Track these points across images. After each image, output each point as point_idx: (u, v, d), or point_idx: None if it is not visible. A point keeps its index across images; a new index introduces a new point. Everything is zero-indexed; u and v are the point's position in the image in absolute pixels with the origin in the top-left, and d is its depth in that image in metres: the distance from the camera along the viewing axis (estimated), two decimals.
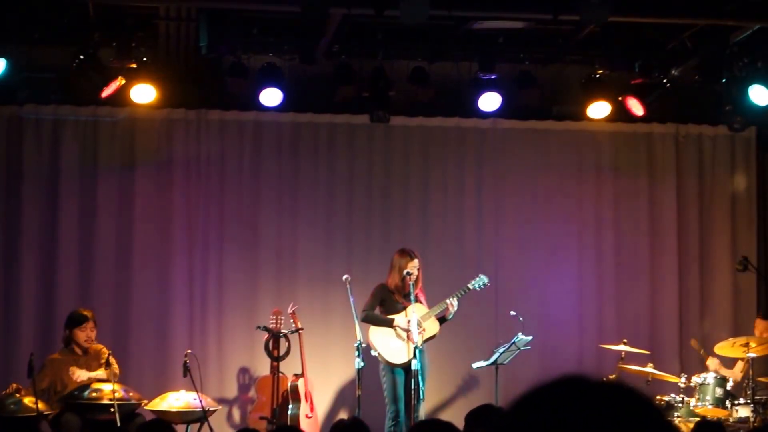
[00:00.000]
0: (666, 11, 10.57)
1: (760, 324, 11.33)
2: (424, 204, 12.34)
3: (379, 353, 10.57)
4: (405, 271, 10.53)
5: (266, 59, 11.56)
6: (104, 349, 10.26)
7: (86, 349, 10.31)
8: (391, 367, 10.55)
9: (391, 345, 10.58)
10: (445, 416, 11.79)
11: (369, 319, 10.65)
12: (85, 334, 10.27)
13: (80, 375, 10.13)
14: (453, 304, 10.59)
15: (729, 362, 11.33)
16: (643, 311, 12.48)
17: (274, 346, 11.18)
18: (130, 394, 9.97)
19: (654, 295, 12.53)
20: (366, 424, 6.97)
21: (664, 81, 11.75)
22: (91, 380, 10.05)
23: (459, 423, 6.70)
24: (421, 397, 10.26)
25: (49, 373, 10.10)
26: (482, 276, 10.91)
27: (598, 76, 11.81)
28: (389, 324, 10.60)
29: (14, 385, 9.82)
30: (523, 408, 2.70)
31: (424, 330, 10.43)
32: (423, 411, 10.42)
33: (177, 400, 10.27)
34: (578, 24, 10.76)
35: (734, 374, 11.14)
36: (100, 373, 10.11)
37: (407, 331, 10.51)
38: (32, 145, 11.79)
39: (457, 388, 12.11)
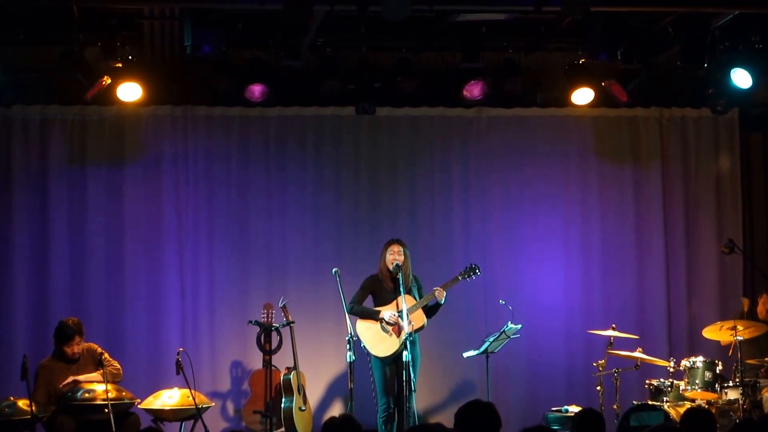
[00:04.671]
0: (646, 0, 10.63)
1: (767, 300, 11.42)
2: (412, 194, 12.40)
3: (364, 346, 10.64)
4: (393, 263, 10.60)
5: (251, 54, 11.59)
6: (98, 349, 10.32)
7: (76, 358, 10.34)
8: (380, 359, 10.63)
9: (377, 338, 10.64)
10: (437, 407, 11.91)
11: (355, 312, 10.70)
12: (71, 350, 10.26)
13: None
14: (441, 292, 10.62)
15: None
16: (630, 296, 12.55)
17: (266, 339, 11.26)
18: (123, 393, 10.04)
19: (641, 280, 12.60)
20: (357, 421, 6.97)
21: (647, 66, 11.81)
22: (79, 381, 10.08)
23: (451, 412, 6.74)
24: (413, 388, 10.29)
25: (43, 383, 10.11)
26: (474, 265, 10.91)
27: (581, 62, 11.86)
28: (375, 316, 10.67)
29: (11, 399, 9.89)
30: None
31: (411, 321, 10.46)
32: (414, 402, 10.46)
33: (170, 398, 10.36)
34: (560, 14, 10.79)
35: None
36: (95, 375, 10.15)
37: (391, 324, 10.57)
38: (20, 146, 11.82)
39: (448, 377, 12.17)
